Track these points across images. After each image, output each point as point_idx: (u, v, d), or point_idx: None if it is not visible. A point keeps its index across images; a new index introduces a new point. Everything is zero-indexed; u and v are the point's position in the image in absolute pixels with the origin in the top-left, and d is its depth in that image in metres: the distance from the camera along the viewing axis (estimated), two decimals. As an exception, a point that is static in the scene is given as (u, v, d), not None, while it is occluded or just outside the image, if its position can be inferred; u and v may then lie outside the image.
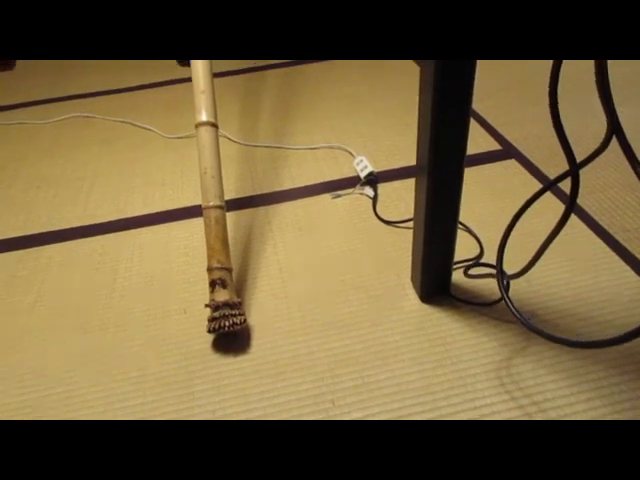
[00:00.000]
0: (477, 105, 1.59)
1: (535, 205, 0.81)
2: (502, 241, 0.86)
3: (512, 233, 0.84)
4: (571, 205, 0.74)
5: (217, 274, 0.92)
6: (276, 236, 1.20)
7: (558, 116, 0.68)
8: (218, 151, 1.01)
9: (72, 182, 1.48)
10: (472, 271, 1.05)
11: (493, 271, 0.92)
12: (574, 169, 0.71)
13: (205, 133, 0.99)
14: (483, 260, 1.08)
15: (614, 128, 0.61)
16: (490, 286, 1.02)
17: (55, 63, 2.27)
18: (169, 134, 1.65)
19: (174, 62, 2.13)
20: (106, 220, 1.32)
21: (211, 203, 0.97)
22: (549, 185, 0.76)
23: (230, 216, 1.27)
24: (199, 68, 1.04)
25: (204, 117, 1.00)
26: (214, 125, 1.01)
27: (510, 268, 0.91)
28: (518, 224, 0.83)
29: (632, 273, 1.02)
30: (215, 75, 1.17)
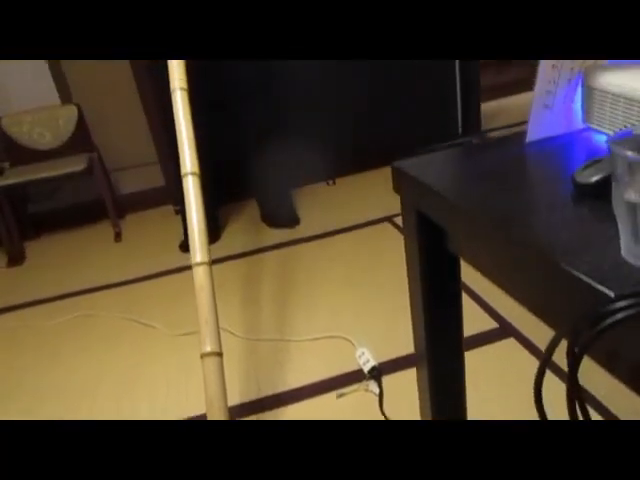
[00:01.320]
0: (469, 281, 1.66)
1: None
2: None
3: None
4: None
5: None
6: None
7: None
8: (224, 385, 1.02)
9: (74, 393, 1.48)
10: None
11: None
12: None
13: (211, 365, 1.01)
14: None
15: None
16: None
17: (61, 257, 2.38)
18: (173, 331, 1.68)
19: (176, 249, 2.24)
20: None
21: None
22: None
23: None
24: (203, 296, 1.09)
25: (208, 348, 1.03)
26: (219, 354, 1.04)
27: None
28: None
29: None
30: (214, 261, 1.22)
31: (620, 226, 0.42)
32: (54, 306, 1.96)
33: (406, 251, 0.82)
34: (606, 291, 0.39)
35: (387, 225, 2.16)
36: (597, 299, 0.40)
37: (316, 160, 2.75)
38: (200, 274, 1.14)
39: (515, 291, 0.57)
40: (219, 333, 1.07)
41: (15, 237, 2.39)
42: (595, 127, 0.66)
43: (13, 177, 2.27)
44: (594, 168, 0.53)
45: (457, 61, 2.86)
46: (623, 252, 0.42)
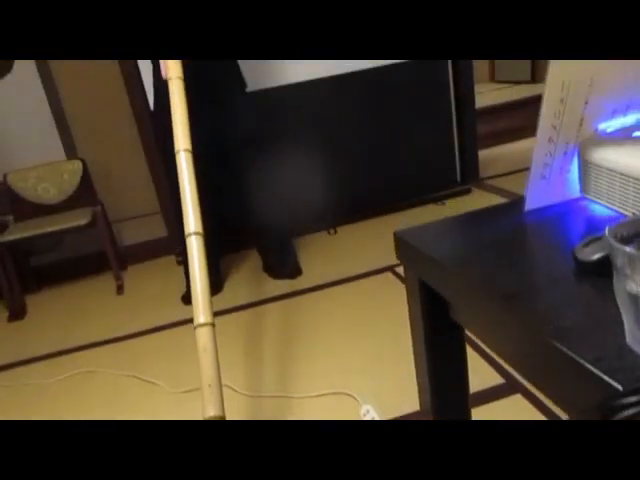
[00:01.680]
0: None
1: None
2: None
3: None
4: None
5: None
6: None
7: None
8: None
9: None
10: None
11: None
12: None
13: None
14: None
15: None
16: None
17: (62, 310, 2.38)
18: (176, 388, 1.66)
19: (178, 301, 2.23)
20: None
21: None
22: None
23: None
24: (207, 359, 1.09)
25: (212, 412, 1.02)
26: (222, 418, 1.02)
27: None
28: None
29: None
30: (216, 313, 1.21)
31: (623, 314, 0.42)
32: (54, 363, 1.94)
33: (410, 315, 0.82)
34: (614, 384, 0.39)
35: (389, 275, 2.16)
36: (605, 390, 0.39)
37: (317, 209, 2.78)
38: (203, 336, 1.13)
39: (520, 369, 0.57)
40: (222, 396, 1.06)
41: (17, 291, 2.39)
42: (592, 198, 0.67)
43: (17, 232, 2.29)
44: (594, 246, 0.53)
45: (454, 109, 2.94)
46: (628, 339, 0.42)
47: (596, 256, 0.52)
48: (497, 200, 2.76)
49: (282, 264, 2.34)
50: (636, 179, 0.57)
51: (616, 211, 0.63)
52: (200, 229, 1.24)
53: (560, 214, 0.70)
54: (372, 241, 2.55)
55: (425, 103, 2.82)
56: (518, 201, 0.75)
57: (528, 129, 3.80)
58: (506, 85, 4.81)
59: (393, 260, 2.34)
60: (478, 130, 3.09)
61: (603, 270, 0.48)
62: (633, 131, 0.66)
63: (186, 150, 1.34)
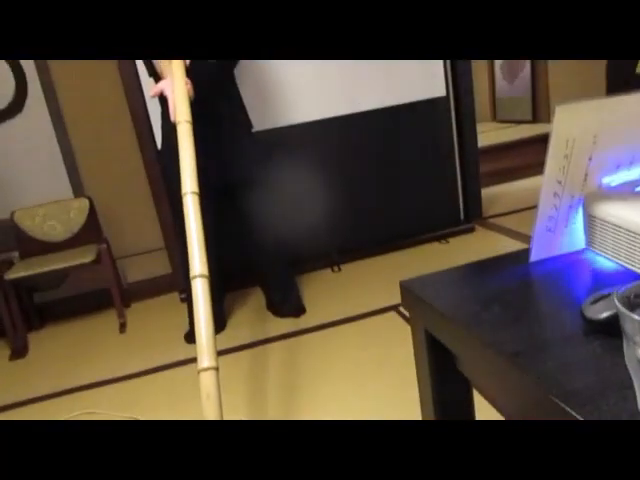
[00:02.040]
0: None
1: None
2: None
3: None
4: None
5: None
6: None
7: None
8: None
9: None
10: None
11: None
12: None
13: None
14: None
15: None
16: None
17: (64, 349, 2.36)
18: (175, 431, 1.63)
19: (181, 340, 2.22)
20: None
21: None
22: None
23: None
24: (210, 406, 1.07)
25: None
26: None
27: None
28: None
29: None
30: (219, 352, 1.20)
31: (634, 380, 0.42)
32: (54, 403, 1.92)
33: (416, 363, 0.81)
34: (627, 453, 0.38)
35: (394, 315, 2.15)
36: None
37: (321, 246, 2.79)
38: (207, 381, 1.12)
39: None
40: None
41: (20, 329, 2.38)
42: (598, 251, 0.67)
43: (22, 269, 2.29)
44: (602, 303, 0.53)
45: (457, 148, 2.97)
46: (640, 405, 0.42)
47: (604, 315, 0.52)
48: (500, 239, 2.77)
49: (285, 302, 2.33)
50: (641, 236, 0.58)
51: (622, 265, 0.63)
52: (206, 272, 1.25)
53: (566, 266, 0.70)
54: (376, 279, 2.54)
55: (428, 142, 2.86)
56: (523, 251, 0.76)
57: (530, 168, 3.85)
58: (507, 125, 4.89)
59: (397, 299, 2.33)
60: (481, 169, 3.12)
61: (612, 329, 0.48)
62: (637, 185, 0.67)
63: (193, 193, 1.36)
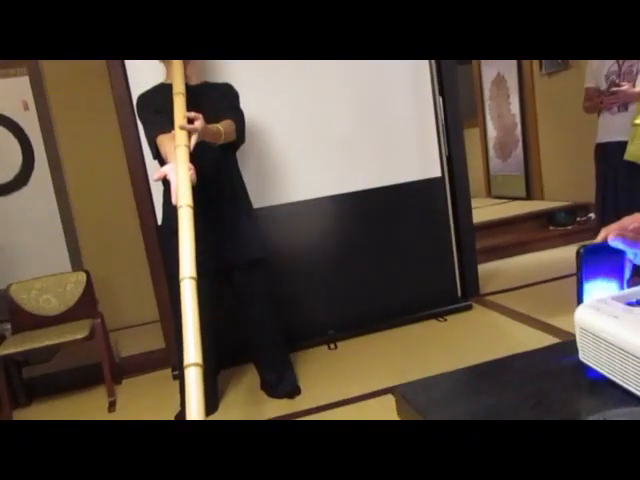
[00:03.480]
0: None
1: None
2: None
3: None
4: None
5: None
6: None
7: None
8: None
9: None
10: None
11: None
12: None
13: None
14: None
15: None
16: None
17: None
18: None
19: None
20: None
21: None
22: None
23: None
24: None
25: None
26: None
27: None
28: None
29: None
30: None
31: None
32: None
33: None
34: None
35: (391, 398, 2.10)
36: None
37: (317, 324, 2.77)
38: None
39: None
40: None
41: (5, 406, 2.31)
42: (592, 365, 0.67)
43: (14, 345, 2.26)
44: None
45: (452, 225, 3.02)
46: None
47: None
48: (498, 318, 2.75)
49: (280, 383, 2.28)
50: (636, 358, 0.58)
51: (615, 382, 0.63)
52: (200, 361, 1.23)
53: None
54: (373, 358, 2.50)
55: (424, 220, 2.91)
56: (516, 357, 0.75)
57: (524, 245, 3.90)
58: (502, 201, 5.00)
59: (394, 380, 2.30)
60: (477, 245, 3.16)
61: None
62: (628, 298, 0.68)
63: (191, 278, 1.37)
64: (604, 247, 0.67)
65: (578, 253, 0.67)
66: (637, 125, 2.17)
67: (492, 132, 5.26)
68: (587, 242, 0.68)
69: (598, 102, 2.44)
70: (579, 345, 0.69)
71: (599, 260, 0.68)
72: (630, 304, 0.67)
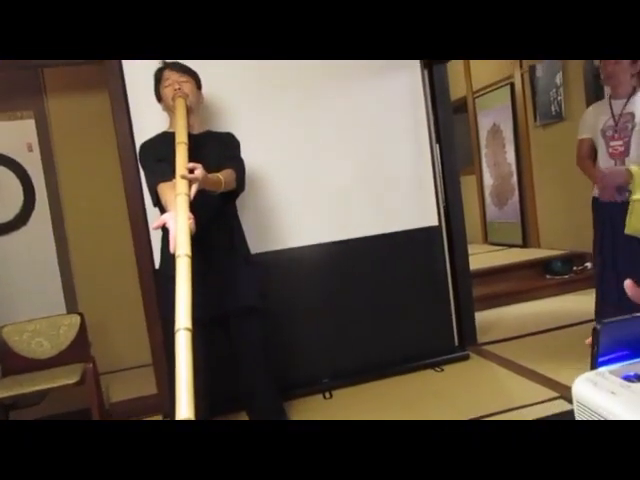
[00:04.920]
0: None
1: None
2: None
3: None
4: None
5: None
6: None
7: None
8: None
9: None
10: None
11: None
12: None
13: None
14: None
15: None
16: None
17: None
18: None
19: None
20: None
21: None
22: None
23: None
24: None
25: None
26: None
27: None
28: None
29: None
30: None
31: None
32: None
33: None
34: None
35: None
36: None
37: (312, 372, 2.73)
38: None
39: None
40: None
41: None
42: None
43: (3, 389, 2.22)
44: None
45: (449, 273, 3.02)
46: None
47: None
48: (496, 370, 2.72)
49: (273, 433, 2.22)
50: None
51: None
52: (192, 416, 1.21)
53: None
54: (369, 408, 2.46)
55: (421, 268, 2.91)
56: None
57: (522, 293, 3.90)
58: (499, 248, 5.02)
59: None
60: (474, 293, 3.15)
61: None
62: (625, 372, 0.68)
63: (186, 329, 1.36)
64: (621, 321, 0.67)
65: (595, 330, 0.67)
66: (636, 200, 2.18)
67: (489, 180, 5.34)
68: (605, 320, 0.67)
69: (593, 179, 2.45)
70: (577, 418, 0.68)
71: (616, 334, 0.68)
72: (627, 378, 0.67)
